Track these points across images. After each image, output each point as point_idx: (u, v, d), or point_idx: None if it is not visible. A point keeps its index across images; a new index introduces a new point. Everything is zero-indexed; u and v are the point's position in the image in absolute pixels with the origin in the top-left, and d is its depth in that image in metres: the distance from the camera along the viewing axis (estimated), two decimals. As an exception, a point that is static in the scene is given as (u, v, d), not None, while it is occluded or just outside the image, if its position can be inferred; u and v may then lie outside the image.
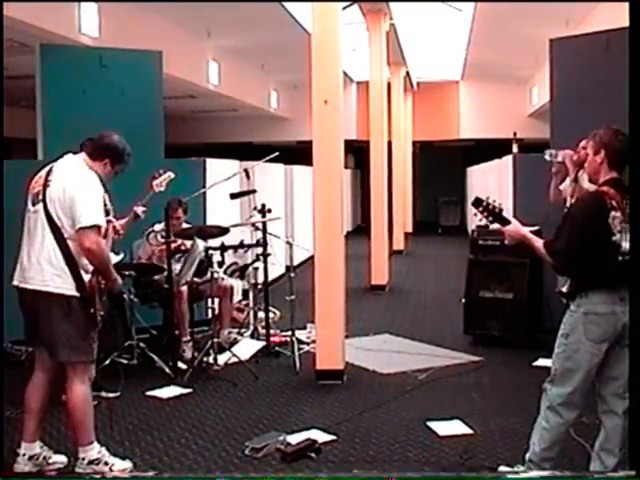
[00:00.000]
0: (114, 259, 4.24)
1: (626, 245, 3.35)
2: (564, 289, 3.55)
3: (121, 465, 4.02)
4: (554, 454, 3.53)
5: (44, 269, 3.78)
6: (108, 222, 3.98)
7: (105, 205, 3.90)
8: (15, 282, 3.90)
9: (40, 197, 3.83)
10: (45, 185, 3.83)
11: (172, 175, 5.32)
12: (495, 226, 3.68)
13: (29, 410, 3.99)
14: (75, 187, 3.77)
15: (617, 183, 3.46)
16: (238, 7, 9.95)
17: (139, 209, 5.04)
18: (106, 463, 3.96)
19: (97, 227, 3.76)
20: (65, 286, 3.77)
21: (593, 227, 3.38)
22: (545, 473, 3.50)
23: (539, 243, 3.50)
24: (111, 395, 5.25)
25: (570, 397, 3.47)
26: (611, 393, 3.49)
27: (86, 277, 3.80)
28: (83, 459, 3.93)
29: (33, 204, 3.88)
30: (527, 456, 3.62)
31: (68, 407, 3.94)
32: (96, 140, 4.02)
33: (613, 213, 3.36)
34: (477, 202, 3.61)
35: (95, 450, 3.96)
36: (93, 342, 3.94)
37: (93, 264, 3.79)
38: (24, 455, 3.97)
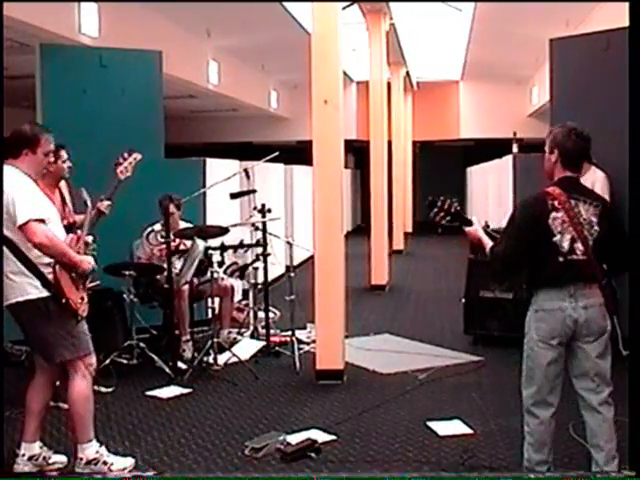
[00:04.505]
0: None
1: (567, 245, 3.38)
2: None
3: (121, 464, 4.01)
4: (545, 456, 3.50)
5: (12, 281, 3.77)
6: (78, 239, 3.96)
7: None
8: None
9: None
10: None
11: (139, 156, 4.52)
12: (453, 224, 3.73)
13: (30, 411, 3.99)
14: (5, 192, 3.72)
15: (568, 182, 3.47)
16: (238, 7, 9.94)
17: (103, 205, 4.45)
18: (105, 462, 3.95)
19: (39, 221, 3.69)
20: (36, 290, 3.76)
21: (532, 230, 3.41)
22: (544, 474, 3.49)
23: (488, 247, 3.55)
24: (104, 390, 5.24)
25: (538, 396, 3.48)
26: (583, 388, 3.50)
27: (49, 271, 3.76)
28: (81, 459, 3.92)
29: None
30: (523, 465, 3.60)
31: (68, 402, 3.94)
32: (7, 139, 3.95)
33: (554, 214, 3.38)
34: (432, 204, 3.66)
35: (93, 449, 3.95)
36: (84, 334, 3.91)
37: (51, 257, 3.75)
38: (24, 455, 3.97)
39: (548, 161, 3.54)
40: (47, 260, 3.76)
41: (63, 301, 3.76)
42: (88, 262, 3.93)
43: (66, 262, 3.79)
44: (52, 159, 4.00)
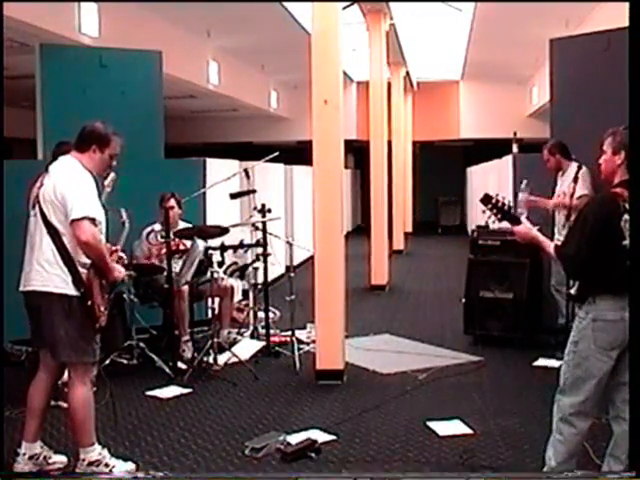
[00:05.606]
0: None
1: None
2: (572, 291, 3.49)
3: (123, 467, 4.01)
4: (573, 466, 3.42)
5: (44, 270, 3.79)
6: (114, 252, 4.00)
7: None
8: (20, 287, 3.91)
9: (37, 200, 3.85)
10: (40, 188, 3.86)
11: (114, 176, 4.30)
12: (504, 224, 3.65)
13: (31, 410, 3.99)
14: (65, 184, 3.77)
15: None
16: (238, 7, 9.95)
17: None
18: (106, 465, 3.95)
19: (91, 220, 3.73)
20: (66, 286, 3.77)
21: (604, 230, 3.28)
22: (544, 474, 3.49)
23: (550, 248, 3.43)
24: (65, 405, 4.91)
25: (582, 406, 3.38)
26: (621, 399, 3.39)
27: (83, 272, 3.79)
28: (83, 460, 3.92)
29: (33, 207, 3.89)
30: (544, 470, 3.53)
31: (69, 409, 3.94)
32: (79, 132, 3.99)
33: (626, 216, 3.26)
34: (486, 199, 3.54)
35: (96, 452, 3.95)
36: (95, 343, 3.92)
37: (91, 258, 3.77)
38: (24, 455, 3.97)
39: (610, 162, 3.41)
40: (84, 261, 3.78)
41: (89, 303, 3.77)
42: (119, 271, 3.97)
43: (102, 267, 3.82)
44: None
